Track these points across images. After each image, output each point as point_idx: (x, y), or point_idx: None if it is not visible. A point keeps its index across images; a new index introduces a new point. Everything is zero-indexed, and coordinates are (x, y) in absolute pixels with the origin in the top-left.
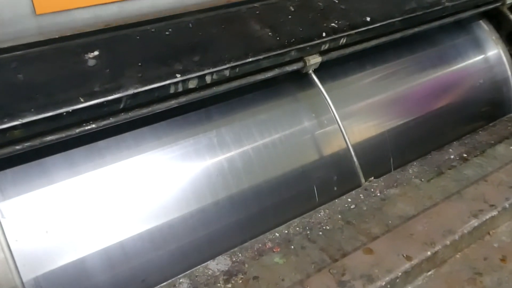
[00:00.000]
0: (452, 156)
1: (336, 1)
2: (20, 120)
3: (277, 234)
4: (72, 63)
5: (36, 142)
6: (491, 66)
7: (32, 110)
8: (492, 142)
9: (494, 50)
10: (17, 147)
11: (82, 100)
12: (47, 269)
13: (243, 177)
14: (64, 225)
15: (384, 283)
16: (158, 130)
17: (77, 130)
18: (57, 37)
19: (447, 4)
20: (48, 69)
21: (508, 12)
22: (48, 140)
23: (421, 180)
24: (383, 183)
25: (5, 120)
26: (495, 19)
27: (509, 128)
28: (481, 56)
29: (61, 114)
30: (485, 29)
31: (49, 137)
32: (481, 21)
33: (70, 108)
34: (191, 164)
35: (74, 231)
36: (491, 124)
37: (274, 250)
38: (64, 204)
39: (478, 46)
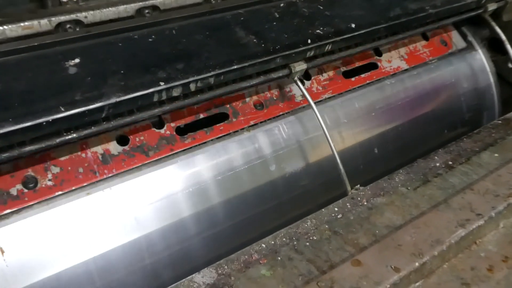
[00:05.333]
0: (437, 164)
1: (321, 8)
2: None
3: (263, 245)
4: (52, 71)
5: (14, 153)
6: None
7: (10, 120)
8: (477, 149)
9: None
10: None
11: (62, 109)
12: None
13: None
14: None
15: None
16: None
17: (58, 140)
18: (36, 44)
19: (430, 11)
20: (26, 77)
21: (490, 19)
22: (27, 150)
23: (408, 189)
24: (369, 192)
25: None
26: (477, 25)
27: (493, 135)
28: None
29: (40, 124)
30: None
31: (28, 148)
32: (463, 28)
33: (50, 118)
34: None
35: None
36: (475, 131)
37: (260, 261)
38: None
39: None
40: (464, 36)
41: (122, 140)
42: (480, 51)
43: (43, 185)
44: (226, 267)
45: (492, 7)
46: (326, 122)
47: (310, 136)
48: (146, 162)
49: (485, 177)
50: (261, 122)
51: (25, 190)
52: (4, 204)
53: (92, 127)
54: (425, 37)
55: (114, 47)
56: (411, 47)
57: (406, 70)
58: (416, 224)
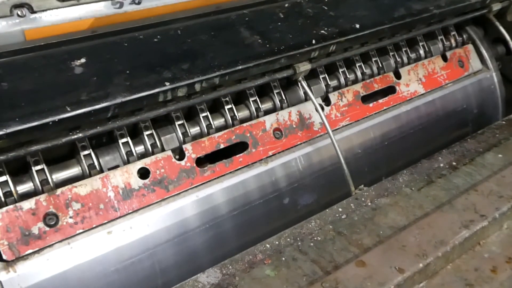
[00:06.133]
0: (441, 165)
1: (326, 8)
2: (4, 130)
3: (267, 246)
4: (58, 70)
5: (21, 152)
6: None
7: (17, 119)
8: (481, 150)
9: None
10: (1, 158)
11: (68, 109)
12: None
13: None
14: None
15: None
16: None
17: (64, 140)
18: (42, 44)
19: (435, 11)
20: (33, 77)
21: (494, 19)
22: (33, 150)
23: (412, 189)
24: (373, 192)
25: None
26: (482, 25)
27: (497, 135)
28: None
29: (47, 123)
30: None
31: (34, 147)
32: (467, 28)
33: (56, 117)
34: None
35: None
36: (479, 132)
37: (265, 262)
38: None
39: None
40: (480, 56)
41: (143, 173)
42: (494, 74)
43: (64, 223)
44: (230, 267)
45: (496, 7)
46: (343, 153)
47: (327, 169)
48: (166, 197)
49: (489, 178)
50: (279, 153)
51: (47, 229)
52: (26, 245)
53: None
54: (444, 58)
55: (120, 47)
56: (430, 69)
57: (422, 95)
58: (420, 225)
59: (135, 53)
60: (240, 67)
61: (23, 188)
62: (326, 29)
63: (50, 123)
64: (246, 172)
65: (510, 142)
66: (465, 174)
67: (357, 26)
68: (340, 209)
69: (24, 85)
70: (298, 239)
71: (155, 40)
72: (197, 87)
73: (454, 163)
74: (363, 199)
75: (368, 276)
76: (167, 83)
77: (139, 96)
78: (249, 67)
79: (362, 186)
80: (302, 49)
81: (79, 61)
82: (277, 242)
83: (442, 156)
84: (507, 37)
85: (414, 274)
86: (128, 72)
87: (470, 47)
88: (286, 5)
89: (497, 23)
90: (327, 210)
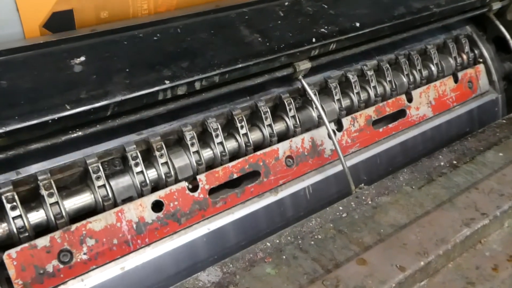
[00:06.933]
0: (442, 163)
1: (326, 7)
2: (3, 128)
3: (268, 244)
4: (58, 69)
5: (20, 151)
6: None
7: (16, 117)
8: (481, 148)
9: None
10: (0, 156)
11: (68, 107)
12: None
13: None
14: None
15: None
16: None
17: (63, 138)
18: (42, 42)
19: (435, 9)
20: (33, 75)
21: (494, 18)
22: (33, 148)
23: (412, 188)
24: (374, 191)
25: None
26: (482, 24)
27: (497, 134)
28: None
29: (46, 121)
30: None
31: (34, 145)
32: (467, 26)
33: (55, 116)
34: None
35: None
36: (480, 130)
37: (265, 260)
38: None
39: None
40: (489, 76)
41: (157, 205)
42: (499, 97)
43: (78, 259)
44: (231, 265)
45: (496, 6)
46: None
47: (334, 196)
48: (178, 230)
49: (489, 176)
50: (289, 182)
51: (61, 266)
52: (40, 283)
53: (97, 125)
54: (455, 78)
55: (119, 46)
56: (441, 91)
57: (429, 118)
58: (421, 223)
59: (134, 51)
60: (240, 65)
61: (37, 221)
62: (326, 27)
63: (50, 121)
64: (256, 202)
65: (511, 141)
66: (466, 173)
67: (357, 24)
68: (340, 208)
69: (24, 83)
70: (298, 237)
71: (155, 38)
72: (197, 85)
73: (454, 162)
74: (363, 197)
75: (369, 274)
76: (166, 82)
77: (139, 94)
78: (249, 65)
79: (362, 184)
80: (302, 47)
81: (78, 59)
82: (277, 241)
83: (443, 155)
84: (507, 35)
85: (415, 272)
86: (127, 70)
87: (481, 67)
88: (286, 3)
89: (497, 22)
90: (327, 208)
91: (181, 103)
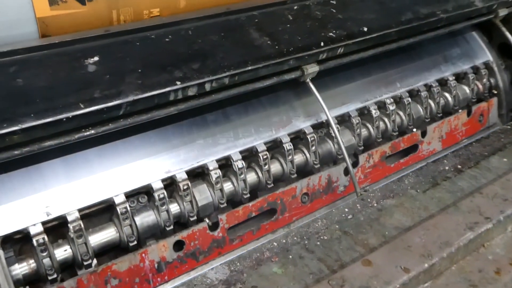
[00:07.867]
0: (446, 167)
1: (334, 11)
2: (19, 125)
3: (275, 244)
4: (72, 68)
5: (34, 148)
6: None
7: (32, 115)
8: (486, 154)
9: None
10: (16, 152)
11: (82, 106)
12: None
13: None
14: None
15: None
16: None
17: (76, 136)
18: (57, 41)
19: (441, 15)
20: (48, 74)
21: (500, 24)
22: (46, 145)
23: (417, 191)
24: (379, 193)
25: (5, 125)
26: (488, 30)
27: (502, 140)
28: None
29: (60, 119)
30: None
31: (47, 143)
32: (473, 32)
33: (70, 114)
34: None
35: None
36: (484, 136)
37: (272, 259)
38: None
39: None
40: (500, 109)
41: (178, 245)
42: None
43: None
44: (238, 264)
45: (503, 12)
46: None
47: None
48: (195, 267)
49: (493, 181)
50: (301, 218)
51: None
52: None
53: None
54: (468, 112)
55: (132, 46)
56: (453, 126)
57: (438, 152)
58: (425, 226)
59: (147, 52)
60: (249, 68)
61: (63, 258)
62: (334, 31)
63: (64, 119)
64: (269, 239)
65: None
66: (470, 177)
67: (365, 29)
68: (346, 209)
69: (39, 82)
70: (305, 237)
71: (167, 40)
72: (207, 86)
73: (459, 166)
74: (369, 200)
75: (374, 275)
76: (178, 82)
77: (151, 94)
78: (258, 67)
79: (367, 187)
80: (310, 51)
81: (92, 59)
82: (284, 241)
83: (448, 159)
84: None
85: (419, 274)
86: (140, 71)
87: (494, 100)
88: (295, 7)
89: (503, 29)
90: (333, 210)
91: (191, 104)
